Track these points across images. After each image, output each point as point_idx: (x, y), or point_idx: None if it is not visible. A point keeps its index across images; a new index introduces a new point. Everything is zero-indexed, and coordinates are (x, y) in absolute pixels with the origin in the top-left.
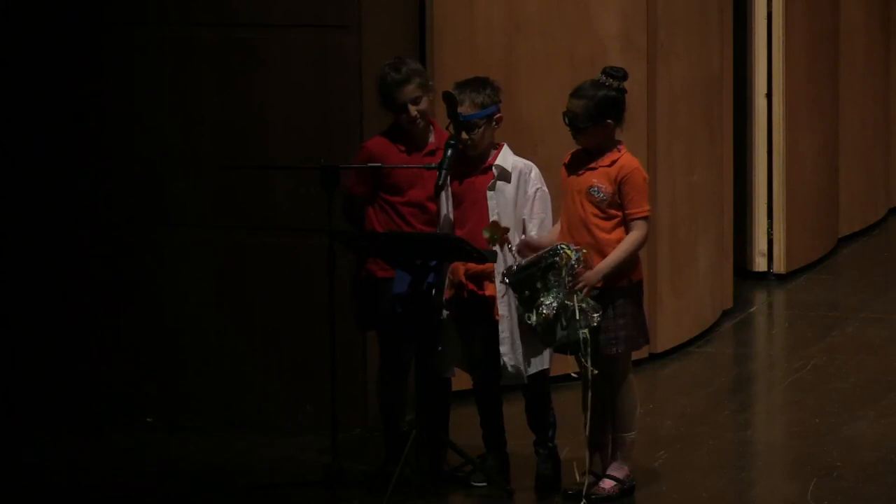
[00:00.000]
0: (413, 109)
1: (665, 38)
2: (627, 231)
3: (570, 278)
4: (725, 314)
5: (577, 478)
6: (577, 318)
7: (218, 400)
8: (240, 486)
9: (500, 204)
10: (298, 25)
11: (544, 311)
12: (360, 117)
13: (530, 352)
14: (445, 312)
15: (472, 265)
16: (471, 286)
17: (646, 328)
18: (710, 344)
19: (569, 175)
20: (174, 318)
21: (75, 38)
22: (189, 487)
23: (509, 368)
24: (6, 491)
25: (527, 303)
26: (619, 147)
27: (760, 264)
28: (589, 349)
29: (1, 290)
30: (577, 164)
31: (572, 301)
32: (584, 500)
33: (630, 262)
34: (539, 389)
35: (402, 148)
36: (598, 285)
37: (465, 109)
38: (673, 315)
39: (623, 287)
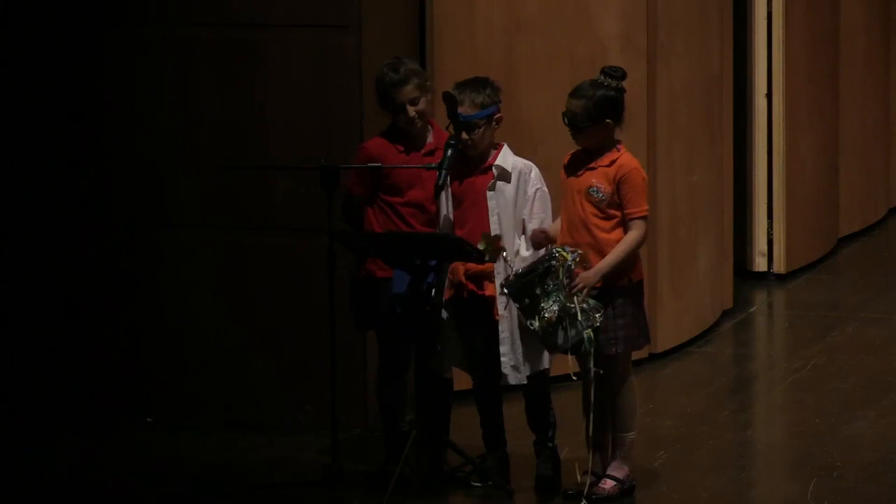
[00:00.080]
0: (411, 110)
1: (665, 38)
2: (627, 231)
3: (568, 280)
4: (725, 314)
5: (579, 478)
6: (580, 318)
7: (218, 400)
8: (240, 486)
9: (499, 204)
10: (298, 25)
11: (547, 315)
12: (360, 117)
13: (530, 352)
14: (445, 313)
15: (472, 265)
16: (471, 286)
17: (647, 328)
18: (710, 344)
19: (568, 176)
20: (174, 318)
21: (75, 38)
22: (189, 487)
23: (509, 368)
24: (6, 491)
25: (528, 310)
26: (618, 147)
27: (760, 264)
28: (593, 349)
29: (1, 290)
30: (577, 164)
31: (573, 303)
32: (584, 501)
33: (629, 262)
34: (539, 389)
35: (401, 148)
36: (597, 285)
37: (465, 110)
38: (673, 315)
39: (623, 287)
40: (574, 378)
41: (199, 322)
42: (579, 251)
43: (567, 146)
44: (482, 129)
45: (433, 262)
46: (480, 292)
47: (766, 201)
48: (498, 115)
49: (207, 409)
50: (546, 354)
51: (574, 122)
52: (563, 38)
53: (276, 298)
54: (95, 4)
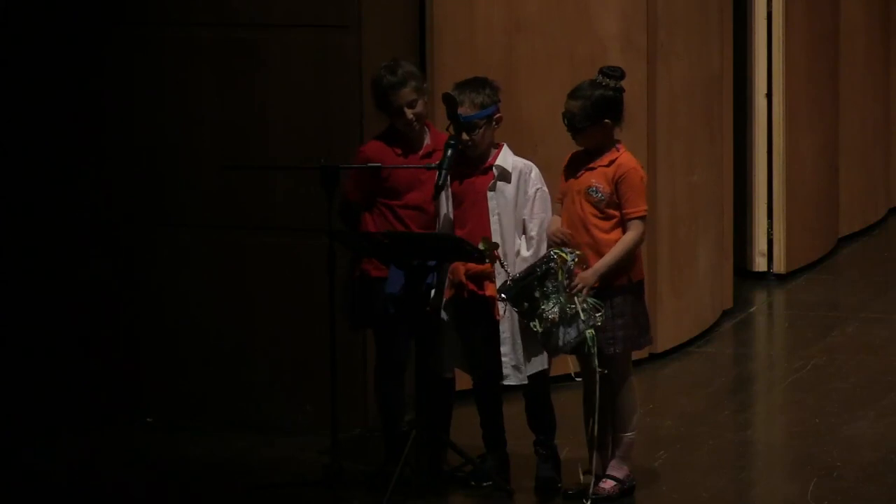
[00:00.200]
0: (409, 112)
1: (665, 38)
2: (626, 231)
3: (568, 281)
4: (725, 314)
5: (581, 478)
6: (582, 318)
7: (218, 400)
8: (240, 486)
9: (500, 204)
10: (298, 25)
11: (549, 317)
12: (360, 117)
13: (531, 351)
14: (444, 314)
15: (472, 265)
16: (471, 286)
17: (648, 327)
18: (710, 344)
19: (567, 178)
20: (174, 318)
21: (75, 38)
22: (189, 487)
23: (510, 368)
24: (6, 491)
25: (528, 314)
26: (617, 147)
27: (760, 264)
28: (595, 349)
29: (1, 290)
30: (577, 165)
31: (574, 303)
32: (585, 501)
33: (628, 262)
34: (539, 389)
35: (399, 151)
36: (595, 285)
37: (464, 110)
38: (673, 315)
39: (622, 286)
40: (575, 378)
41: (199, 322)
42: (577, 252)
43: (567, 146)
44: (482, 129)
45: (433, 263)
46: (481, 292)
47: (766, 201)
48: (498, 115)
49: (207, 409)
50: (547, 354)
51: (573, 123)
52: (563, 38)
53: (276, 298)
54: (95, 4)
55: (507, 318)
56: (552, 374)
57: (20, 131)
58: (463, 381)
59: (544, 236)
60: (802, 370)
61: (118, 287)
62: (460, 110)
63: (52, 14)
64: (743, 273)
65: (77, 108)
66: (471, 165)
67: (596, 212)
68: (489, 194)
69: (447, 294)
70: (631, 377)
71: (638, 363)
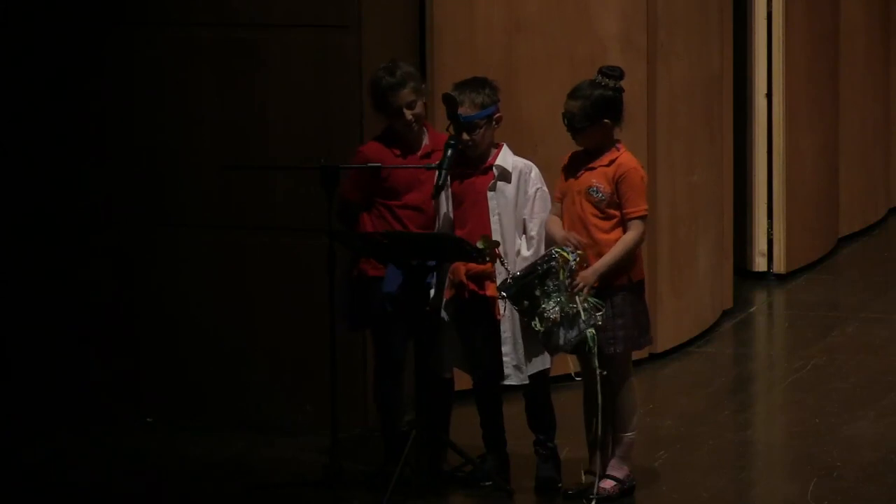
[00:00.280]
0: (409, 113)
1: (665, 38)
2: (626, 231)
3: (570, 280)
4: (725, 314)
5: (584, 479)
6: (582, 318)
7: (218, 400)
8: (240, 486)
9: (500, 204)
10: (298, 25)
11: (551, 316)
12: (360, 117)
13: (532, 351)
14: (444, 313)
15: (472, 265)
16: (472, 286)
17: (648, 327)
18: (710, 344)
19: (567, 178)
20: (174, 318)
21: (75, 38)
22: (189, 487)
23: (511, 368)
24: (6, 491)
25: (528, 312)
26: (617, 146)
27: (760, 264)
28: (595, 348)
29: (1, 290)
30: (577, 164)
31: (575, 302)
32: (585, 501)
33: (628, 261)
34: (539, 389)
35: (398, 152)
36: (595, 285)
37: (465, 110)
38: (673, 315)
39: (622, 286)
40: (575, 378)
41: (199, 322)
42: (579, 251)
43: (567, 146)
44: (482, 129)
45: (433, 263)
46: (481, 292)
47: (766, 201)
48: (498, 115)
49: (207, 409)
50: (548, 354)
51: (572, 123)
52: (563, 38)
53: (276, 298)
54: (95, 4)
55: (508, 318)
56: (552, 374)
57: (20, 131)
58: (463, 381)
59: (544, 236)
60: (802, 370)
61: (118, 287)
62: (460, 110)
63: (52, 14)
64: (743, 273)
65: (77, 108)
66: (471, 165)
67: (596, 212)
68: (489, 194)
69: (447, 294)
70: (631, 377)
71: (638, 363)
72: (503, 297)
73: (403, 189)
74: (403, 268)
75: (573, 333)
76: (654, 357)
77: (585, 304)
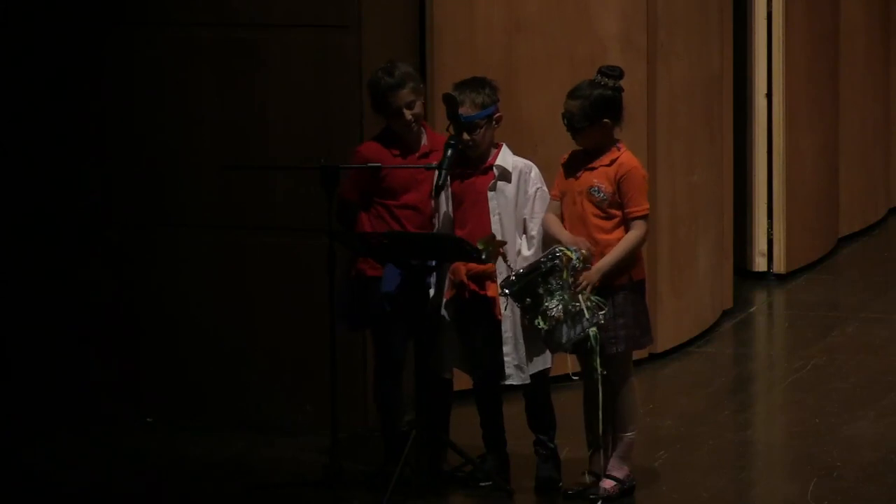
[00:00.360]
0: (408, 113)
1: (665, 38)
2: (628, 230)
3: (573, 279)
4: (725, 314)
5: (587, 479)
6: (586, 316)
7: (218, 400)
8: (240, 486)
9: (500, 204)
10: (298, 25)
11: (553, 314)
12: (360, 117)
13: (533, 351)
14: (444, 312)
15: (473, 265)
16: (472, 286)
17: (649, 327)
18: (710, 344)
19: (567, 176)
20: (174, 318)
21: (75, 38)
22: (189, 487)
23: (512, 368)
24: (6, 491)
25: (530, 310)
26: (618, 146)
27: (760, 264)
28: (597, 348)
29: (1, 290)
30: (577, 164)
31: (578, 301)
32: (600, 501)
33: (630, 261)
34: (539, 389)
35: (396, 152)
36: (597, 284)
37: (465, 110)
38: (673, 315)
39: (623, 285)
40: (574, 377)
41: (199, 322)
42: (583, 250)
43: (567, 146)
44: (483, 129)
45: (433, 263)
46: (482, 292)
47: (766, 201)
48: (498, 115)
49: (207, 409)
50: (548, 354)
51: (572, 123)
52: (563, 38)
53: (276, 298)
54: (95, 4)
55: (508, 318)
56: (552, 374)
57: (20, 131)
58: (463, 381)
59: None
60: (802, 370)
61: (118, 287)
62: (461, 110)
63: (52, 14)
64: (743, 273)
65: (77, 108)
66: (471, 165)
67: (598, 212)
68: (489, 194)
69: (448, 294)
70: (632, 377)
71: (638, 363)
72: (505, 295)
73: (401, 189)
74: (404, 268)
75: (575, 332)
76: (654, 357)
77: (588, 303)
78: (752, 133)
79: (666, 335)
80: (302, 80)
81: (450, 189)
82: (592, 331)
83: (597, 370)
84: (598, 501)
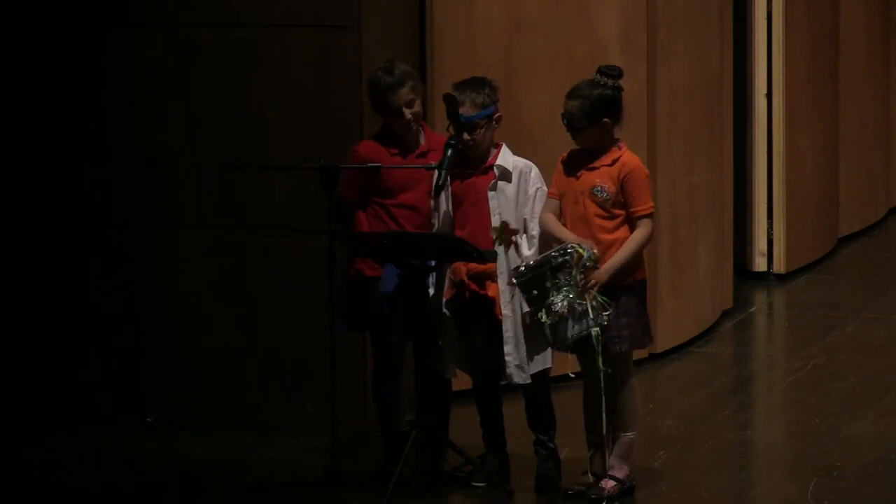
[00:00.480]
0: (408, 112)
1: (665, 38)
2: (631, 229)
3: (582, 277)
4: (725, 314)
5: (590, 479)
6: (591, 316)
7: (218, 400)
8: (240, 486)
9: (501, 203)
10: (298, 25)
11: (557, 310)
12: (360, 117)
13: (533, 351)
14: (445, 311)
15: (473, 265)
16: (472, 286)
17: (649, 327)
18: (710, 344)
19: (567, 175)
20: (174, 318)
21: (75, 38)
22: (189, 487)
23: (513, 368)
24: (6, 491)
25: (535, 302)
26: (619, 145)
27: (760, 264)
28: (600, 347)
29: (1, 290)
30: (577, 163)
31: (584, 300)
32: (597, 500)
33: (637, 260)
34: (539, 389)
35: (394, 151)
36: (605, 284)
37: (465, 110)
38: (673, 315)
39: (627, 286)
40: (572, 376)
41: (199, 322)
42: (594, 249)
43: (567, 146)
44: (483, 128)
45: (433, 263)
46: (482, 292)
47: (766, 201)
48: (498, 115)
49: (207, 409)
50: (549, 353)
51: (572, 123)
52: (563, 38)
53: (276, 298)
54: (95, 4)
55: (509, 318)
56: (552, 374)
57: (20, 131)
58: (463, 381)
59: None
60: (802, 370)
61: (118, 287)
62: (461, 110)
63: (52, 14)
64: (743, 273)
65: (77, 108)
66: (471, 165)
67: (601, 211)
68: (490, 194)
69: (448, 294)
70: (632, 377)
71: (638, 363)
72: (513, 284)
73: (399, 188)
74: (404, 268)
75: (578, 329)
76: (654, 357)
77: (594, 303)
78: (752, 133)
79: (666, 335)
80: (302, 80)
81: (449, 189)
82: (595, 330)
83: (600, 370)
84: (599, 502)
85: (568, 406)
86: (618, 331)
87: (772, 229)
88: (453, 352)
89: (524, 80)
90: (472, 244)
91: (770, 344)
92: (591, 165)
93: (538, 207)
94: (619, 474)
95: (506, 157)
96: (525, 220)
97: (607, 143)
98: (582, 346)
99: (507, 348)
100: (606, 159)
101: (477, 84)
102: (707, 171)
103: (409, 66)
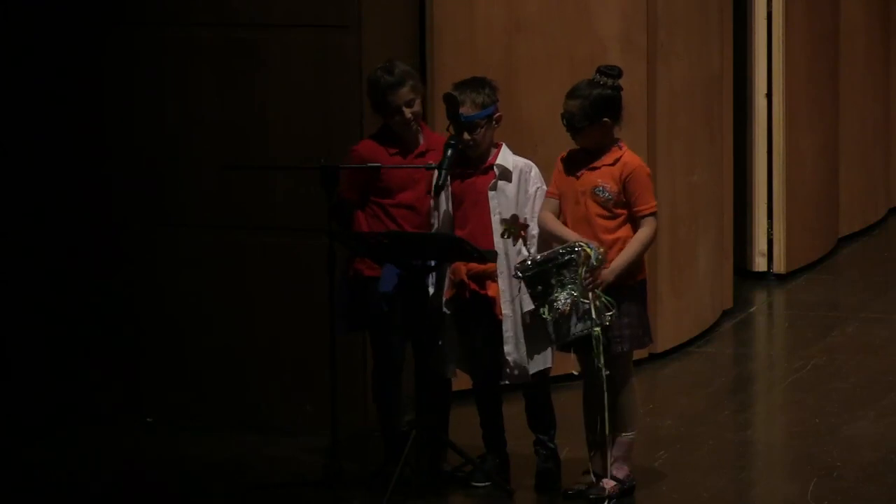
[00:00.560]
0: (408, 112)
1: (665, 38)
2: (634, 229)
3: (588, 276)
4: (725, 314)
5: (587, 479)
6: (593, 315)
7: (218, 400)
8: (240, 486)
9: (501, 203)
10: (298, 25)
11: (559, 307)
12: (360, 117)
13: (534, 350)
14: (445, 309)
15: (473, 265)
16: (473, 286)
17: (649, 327)
18: (710, 344)
19: (567, 175)
20: (174, 318)
21: (75, 38)
22: (189, 487)
23: (513, 367)
24: (6, 491)
25: (538, 297)
26: (619, 144)
27: (760, 264)
28: (601, 348)
29: (1, 290)
30: (577, 163)
31: (588, 299)
32: (607, 501)
33: (640, 260)
34: (539, 389)
35: (393, 151)
36: (611, 283)
37: (466, 110)
38: (673, 315)
39: (628, 286)
40: (575, 374)
41: (199, 322)
42: (602, 249)
43: (567, 146)
44: (483, 128)
45: (433, 263)
46: (483, 292)
47: (766, 201)
48: (498, 115)
49: (207, 409)
50: (549, 353)
51: (572, 123)
52: (563, 38)
53: (276, 298)
54: (95, 4)
55: (509, 317)
56: (552, 374)
57: (20, 131)
58: (463, 380)
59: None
60: (802, 370)
61: (118, 287)
62: (462, 110)
63: (52, 14)
64: (743, 273)
65: (77, 108)
66: (471, 165)
67: (603, 211)
68: (490, 193)
69: (448, 294)
70: (632, 377)
71: (638, 363)
72: (519, 278)
73: (398, 188)
74: (404, 268)
75: (580, 327)
76: (654, 357)
77: (598, 303)
78: (752, 133)
79: (666, 335)
80: (302, 80)
81: (449, 189)
82: (596, 330)
83: (601, 370)
84: (599, 502)
85: (568, 406)
86: (619, 330)
87: (772, 229)
88: (453, 352)
89: (524, 80)
90: (472, 244)
91: (770, 344)
92: (591, 165)
93: (538, 207)
94: (619, 474)
95: (506, 157)
96: (525, 219)
97: (607, 143)
98: (583, 345)
99: (507, 347)
100: (608, 159)
101: (477, 84)
102: (707, 171)
103: (408, 66)
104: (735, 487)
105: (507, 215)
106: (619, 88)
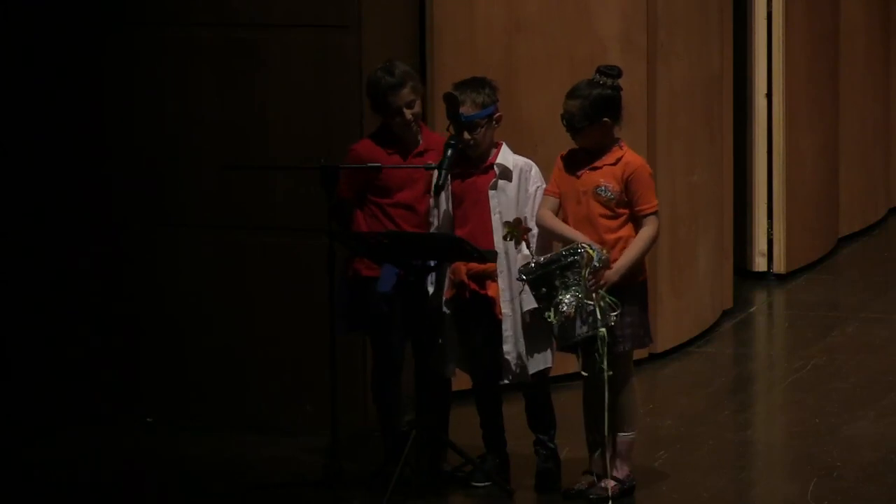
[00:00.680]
0: (409, 113)
1: (665, 38)
2: (636, 228)
3: (591, 277)
4: (725, 314)
5: (587, 479)
6: (598, 317)
7: (218, 400)
8: (240, 486)
9: (501, 202)
10: (298, 25)
11: (564, 310)
12: (360, 117)
13: (533, 350)
14: (445, 310)
15: (473, 265)
16: (473, 286)
17: (650, 327)
18: (710, 344)
19: (568, 175)
20: (174, 318)
21: (75, 38)
22: (189, 487)
23: (513, 367)
24: (6, 491)
25: (543, 299)
26: (620, 144)
27: (760, 264)
28: (605, 348)
29: (1, 290)
30: (578, 163)
31: (592, 300)
32: (597, 500)
33: (643, 260)
34: (539, 389)
35: (392, 150)
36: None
37: (466, 110)
38: (673, 315)
39: (630, 285)
40: (584, 374)
41: (199, 322)
42: (605, 251)
43: (568, 146)
44: (483, 128)
45: (433, 263)
46: (482, 292)
47: (766, 201)
48: (498, 115)
49: (207, 409)
50: (549, 353)
51: (572, 123)
52: (563, 38)
53: (276, 298)
54: (95, 4)
55: (509, 317)
56: (552, 374)
57: (20, 131)
58: (463, 380)
59: (540, 231)
60: (802, 370)
61: (118, 287)
62: (462, 110)
63: (52, 14)
64: (743, 273)
65: (77, 108)
66: (471, 165)
67: (605, 211)
68: (491, 193)
69: (448, 293)
70: (632, 377)
71: (638, 363)
72: (522, 280)
73: (396, 188)
74: (404, 268)
75: (585, 329)
76: (654, 357)
77: (601, 304)
78: (752, 133)
79: (666, 335)
80: (302, 80)
81: (449, 188)
82: (602, 331)
83: (604, 370)
84: (599, 502)
85: (568, 406)
86: (621, 330)
87: (772, 229)
88: (453, 351)
89: (524, 80)
90: (472, 244)
91: (770, 344)
92: (593, 165)
93: (539, 206)
94: (620, 474)
95: (506, 156)
96: (525, 218)
97: (608, 143)
98: (589, 346)
99: (507, 347)
100: (609, 158)
101: (477, 84)
102: (707, 171)
103: (409, 67)
104: (735, 487)
105: (508, 214)
106: (619, 88)
